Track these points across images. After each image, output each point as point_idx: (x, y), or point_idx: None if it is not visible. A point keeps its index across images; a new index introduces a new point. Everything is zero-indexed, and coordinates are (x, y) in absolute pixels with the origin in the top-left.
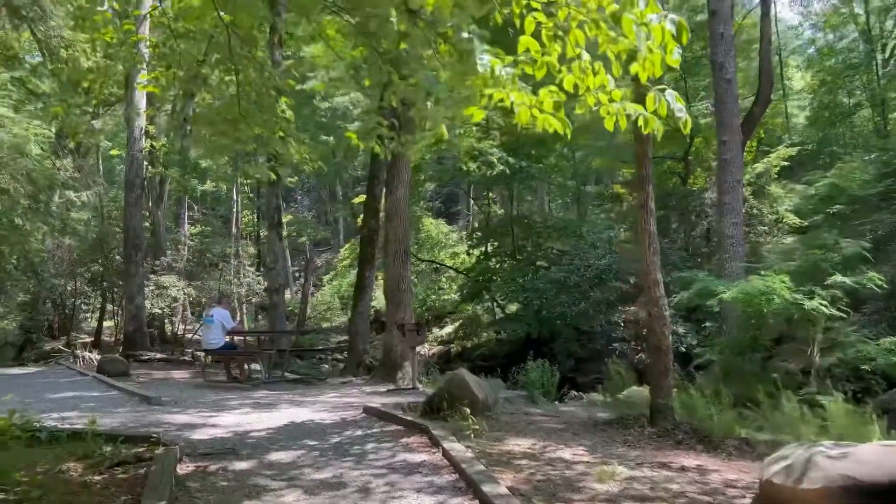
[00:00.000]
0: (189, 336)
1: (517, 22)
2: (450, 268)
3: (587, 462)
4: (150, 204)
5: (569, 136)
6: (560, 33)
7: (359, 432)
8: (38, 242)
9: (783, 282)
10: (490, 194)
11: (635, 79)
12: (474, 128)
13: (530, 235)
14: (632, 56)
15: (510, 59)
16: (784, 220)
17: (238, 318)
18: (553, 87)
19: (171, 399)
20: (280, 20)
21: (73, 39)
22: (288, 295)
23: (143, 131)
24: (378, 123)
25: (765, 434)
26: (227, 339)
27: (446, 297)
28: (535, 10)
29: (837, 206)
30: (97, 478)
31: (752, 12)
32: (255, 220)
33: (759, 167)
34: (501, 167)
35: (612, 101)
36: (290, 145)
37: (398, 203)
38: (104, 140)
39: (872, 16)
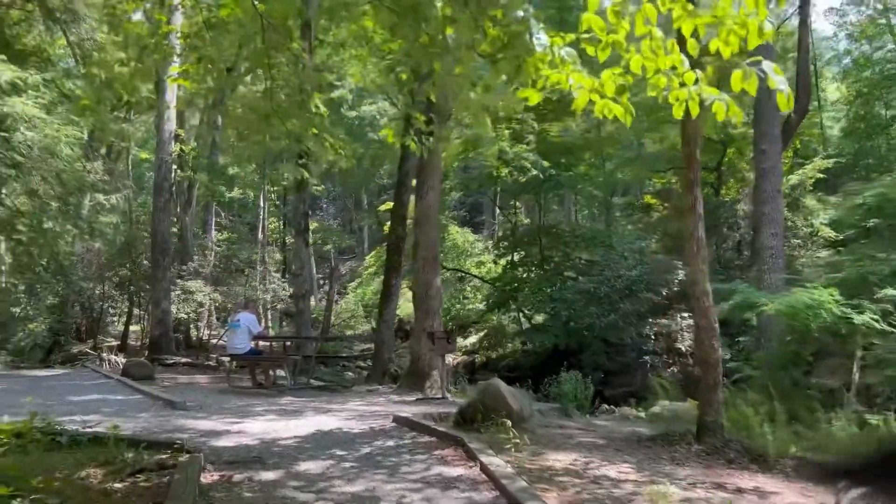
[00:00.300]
0: (214, 341)
1: None
2: (476, 277)
3: (635, 481)
4: (179, 209)
5: (628, 124)
6: (630, 9)
7: (390, 443)
8: (68, 245)
9: (831, 296)
10: (517, 203)
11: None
12: (507, 131)
13: (558, 245)
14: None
15: (571, 36)
16: (819, 234)
17: (264, 324)
18: (618, 69)
19: (195, 404)
20: (313, 13)
21: (105, 42)
22: (312, 302)
23: (172, 135)
24: (415, 118)
25: (822, 453)
26: (253, 344)
27: (471, 306)
28: None
29: (876, 219)
30: (118, 485)
31: (788, 21)
32: (282, 226)
33: (794, 179)
34: (535, 172)
35: (682, 84)
36: (324, 141)
37: (429, 208)
38: (134, 146)
39: None
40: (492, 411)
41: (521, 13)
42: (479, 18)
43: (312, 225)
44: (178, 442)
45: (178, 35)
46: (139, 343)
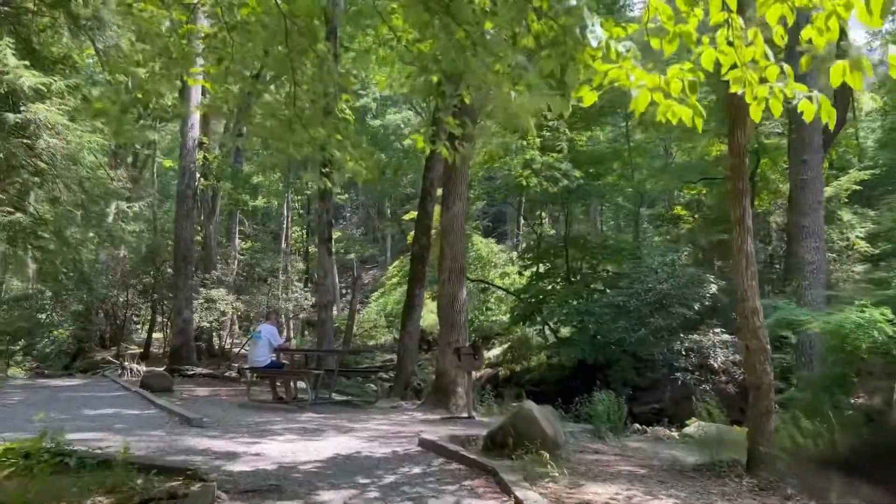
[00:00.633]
0: (236, 350)
1: None
2: (501, 289)
3: None
4: (203, 217)
5: (699, 129)
6: None
7: (416, 470)
8: (91, 253)
9: (883, 314)
10: (542, 213)
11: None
12: (538, 139)
13: (585, 257)
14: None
15: (634, 27)
16: (855, 247)
17: (285, 335)
18: (687, 64)
19: (212, 420)
20: (339, 14)
21: (132, 50)
22: (335, 311)
23: (196, 142)
24: (446, 122)
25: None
26: (274, 356)
27: (494, 318)
28: None
29: None
30: None
31: None
32: (305, 235)
33: (829, 190)
34: (566, 182)
35: (762, 81)
36: (346, 149)
37: (455, 218)
38: (160, 154)
39: None
40: (524, 437)
41: (573, 1)
42: (523, 10)
43: (335, 234)
44: (191, 469)
45: (200, 36)
46: (162, 351)
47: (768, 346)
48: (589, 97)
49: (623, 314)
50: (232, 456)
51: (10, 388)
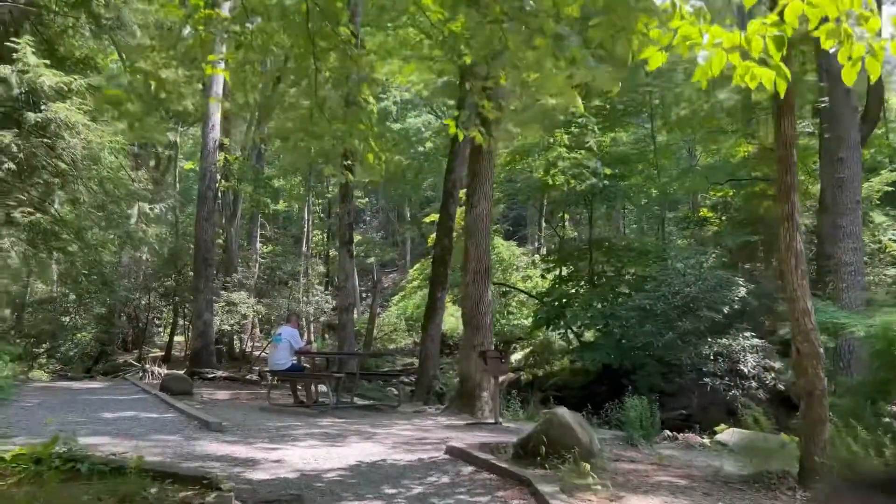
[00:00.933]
0: (257, 353)
1: None
2: (523, 292)
3: None
4: (224, 221)
5: (782, 92)
6: None
7: (444, 479)
8: (113, 255)
9: None
10: (564, 215)
11: None
12: (566, 136)
13: (610, 259)
14: None
15: None
16: (887, 250)
17: (306, 339)
18: (771, 16)
19: (231, 425)
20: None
21: (153, 49)
22: (355, 315)
23: (217, 143)
24: (482, 105)
25: None
26: (295, 359)
27: (516, 322)
28: None
29: None
30: None
31: None
32: (325, 239)
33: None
34: (594, 180)
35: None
36: (368, 139)
37: (480, 218)
38: (182, 157)
39: None
40: (558, 445)
41: None
42: None
43: (356, 237)
44: (208, 478)
45: (219, 21)
46: (183, 354)
47: (821, 350)
48: (656, 58)
49: (649, 318)
50: (251, 462)
51: (31, 391)
